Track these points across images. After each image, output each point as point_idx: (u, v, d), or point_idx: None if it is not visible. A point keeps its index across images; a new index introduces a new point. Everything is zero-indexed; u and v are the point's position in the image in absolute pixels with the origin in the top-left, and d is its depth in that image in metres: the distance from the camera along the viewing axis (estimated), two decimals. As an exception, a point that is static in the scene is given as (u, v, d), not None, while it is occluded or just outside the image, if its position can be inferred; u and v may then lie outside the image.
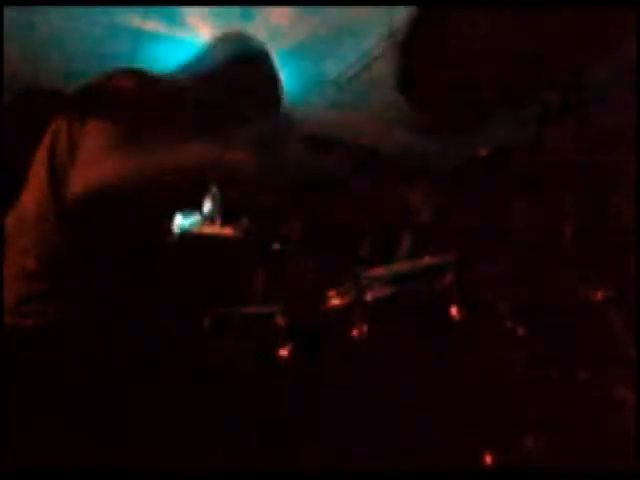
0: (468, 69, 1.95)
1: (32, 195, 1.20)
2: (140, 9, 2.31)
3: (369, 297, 1.72)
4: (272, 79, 1.47)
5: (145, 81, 1.25)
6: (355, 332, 1.68)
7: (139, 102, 1.18)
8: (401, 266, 1.93)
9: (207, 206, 1.82)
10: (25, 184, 1.25)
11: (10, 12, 2.33)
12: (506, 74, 2.06)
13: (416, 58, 1.96)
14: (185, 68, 1.43)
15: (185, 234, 1.68)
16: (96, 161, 1.07)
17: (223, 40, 1.45)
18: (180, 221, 1.68)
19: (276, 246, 2.05)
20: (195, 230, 1.72)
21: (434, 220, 2.93)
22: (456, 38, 1.86)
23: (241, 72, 1.40)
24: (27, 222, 1.17)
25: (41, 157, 1.22)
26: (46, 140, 1.23)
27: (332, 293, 1.79)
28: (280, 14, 2.35)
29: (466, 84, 2.10)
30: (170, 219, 1.55)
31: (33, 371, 1.07)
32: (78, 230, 1.16)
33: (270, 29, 2.46)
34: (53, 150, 1.19)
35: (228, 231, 1.66)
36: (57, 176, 1.16)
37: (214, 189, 1.77)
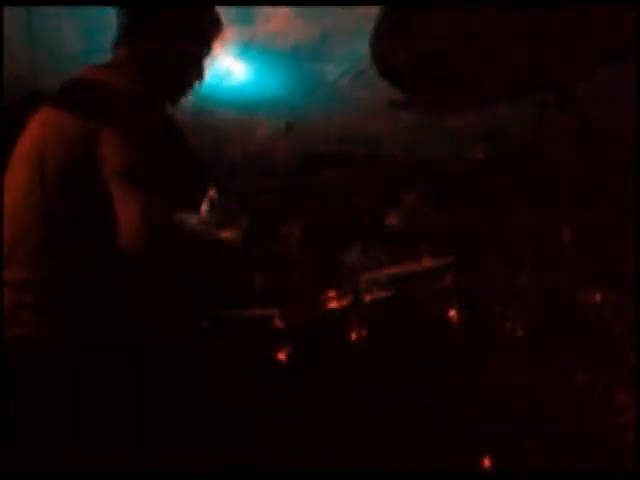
0: (467, 64, 1.94)
1: (20, 200, 1.18)
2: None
3: (367, 299, 1.72)
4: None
5: (129, 79, 1.26)
6: (354, 334, 1.68)
7: (130, 103, 1.19)
8: (400, 268, 1.93)
9: (204, 209, 1.82)
10: (9, 190, 1.23)
11: (10, 12, 2.33)
12: (506, 70, 2.05)
13: (413, 53, 1.95)
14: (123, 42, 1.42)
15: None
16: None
17: None
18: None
19: (275, 248, 2.04)
20: (193, 232, 1.72)
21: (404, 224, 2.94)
22: (455, 35, 1.85)
23: None
24: (16, 227, 1.16)
25: (27, 161, 1.20)
26: (32, 146, 1.21)
27: (331, 295, 1.79)
28: (279, 16, 2.35)
29: (465, 78, 2.09)
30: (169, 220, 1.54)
31: (25, 382, 1.07)
32: (70, 239, 1.15)
33: (269, 31, 2.46)
34: (43, 155, 1.17)
35: (226, 233, 1.66)
36: (48, 183, 1.14)
37: (212, 191, 1.77)
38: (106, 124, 1.14)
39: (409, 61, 1.82)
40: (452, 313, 1.74)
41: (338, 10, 2.26)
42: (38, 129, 1.23)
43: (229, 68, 2.68)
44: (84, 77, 1.29)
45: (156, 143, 1.20)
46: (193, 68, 1.44)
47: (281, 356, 1.68)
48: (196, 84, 1.44)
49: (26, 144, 1.23)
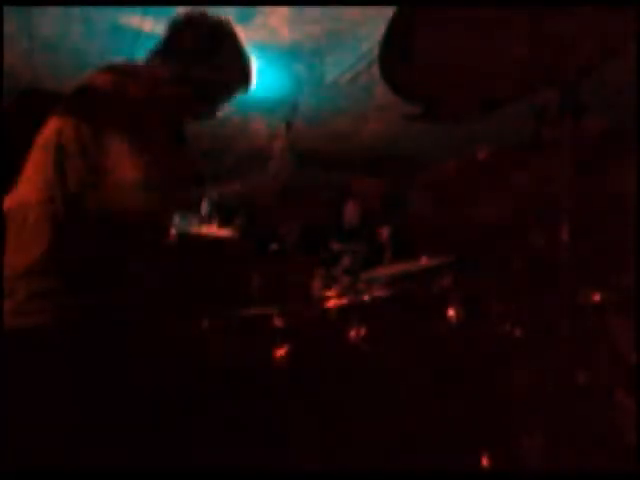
0: (469, 64, 1.94)
1: (35, 193, 1.21)
2: (139, 10, 2.31)
3: (366, 298, 1.72)
4: (240, 54, 1.54)
5: (141, 81, 1.28)
6: (353, 333, 1.68)
7: (138, 103, 1.22)
8: (399, 267, 1.93)
9: (204, 207, 1.82)
10: (23, 182, 1.26)
11: (10, 12, 2.33)
12: (507, 71, 2.04)
13: (414, 54, 1.94)
14: (157, 54, 1.46)
15: (183, 235, 1.68)
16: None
17: (190, 23, 1.47)
18: (178, 222, 1.68)
19: (274, 246, 2.04)
20: (193, 231, 1.72)
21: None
22: (455, 34, 1.85)
23: (210, 54, 1.43)
24: (29, 220, 1.18)
25: (44, 156, 1.23)
26: (49, 140, 1.24)
27: (330, 293, 1.79)
28: (279, 15, 2.35)
29: (467, 79, 2.09)
30: (168, 219, 1.55)
31: (34, 371, 1.08)
32: (81, 229, 1.18)
33: (269, 31, 2.46)
34: (61, 151, 1.20)
35: (225, 232, 1.66)
36: (66, 176, 1.18)
37: (211, 190, 1.77)
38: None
39: (417, 74, 1.81)
40: (451, 312, 1.74)
41: (338, 10, 2.26)
42: (59, 122, 1.25)
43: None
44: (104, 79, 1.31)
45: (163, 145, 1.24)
46: (214, 104, 1.51)
47: (280, 355, 1.68)
48: (204, 117, 1.50)
49: (45, 149, 1.26)
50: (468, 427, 1.69)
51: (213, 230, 1.73)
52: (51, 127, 1.26)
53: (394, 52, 1.51)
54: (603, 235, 2.23)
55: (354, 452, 1.62)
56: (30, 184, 1.23)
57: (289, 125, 1.84)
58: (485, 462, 1.59)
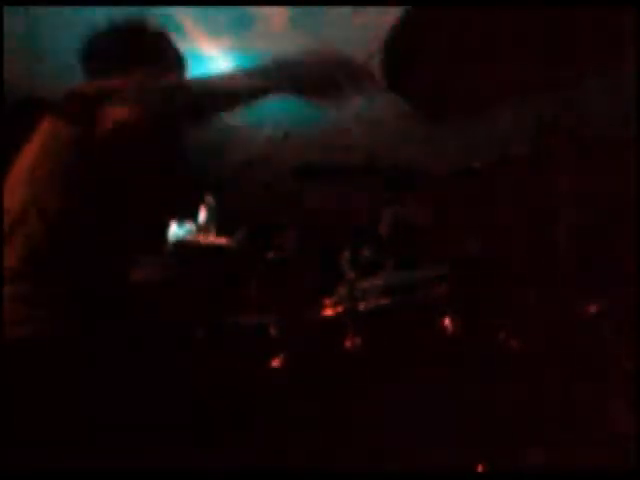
0: (463, 67, 1.95)
1: (18, 197, 1.20)
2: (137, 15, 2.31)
3: (362, 308, 1.72)
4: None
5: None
6: (348, 343, 1.68)
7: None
8: (395, 277, 1.93)
9: (202, 216, 1.82)
10: (8, 186, 1.25)
11: (8, 18, 2.34)
12: (504, 74, 2.05)
13: (410, 56, 1.95)
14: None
15: (180, 243, 1.67)
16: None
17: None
18: (175, 231, 1.68)
19: (270, 255, 2.04)
20: (190, 239, 1.71)
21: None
22: (451, 36, 1.86)
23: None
24: (14, 223, 1.18)
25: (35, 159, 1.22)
26: (38, 144, 1.23)
27: (326, 302, 1.79)
28: (278, 22, 2.35)
29: (463, 82, 2.09)
30: (164, 226, 1.55)
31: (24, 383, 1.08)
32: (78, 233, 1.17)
33: (268, 37, 2.46)
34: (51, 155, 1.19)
35: (223, 240, 1.66)
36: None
37: (209, 198, 1.77)
38: None
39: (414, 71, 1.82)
40: (447, 322, 1.74)
41: (338, 15, 2.26)
42: (46, 133, 1.25)
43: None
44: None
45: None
46: None
47: (277, 363, 1.68)
48: None
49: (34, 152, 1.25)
50: (468, 437, 1.68)
51: (211, 239, 1.73)
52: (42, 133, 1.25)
53: (396, 54, 1.51)
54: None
55: (351, 455, 1.62)
56: (12, 195, 1.22)
57: (287, 134, 1.85)
58: (485, 464, 1.59)
